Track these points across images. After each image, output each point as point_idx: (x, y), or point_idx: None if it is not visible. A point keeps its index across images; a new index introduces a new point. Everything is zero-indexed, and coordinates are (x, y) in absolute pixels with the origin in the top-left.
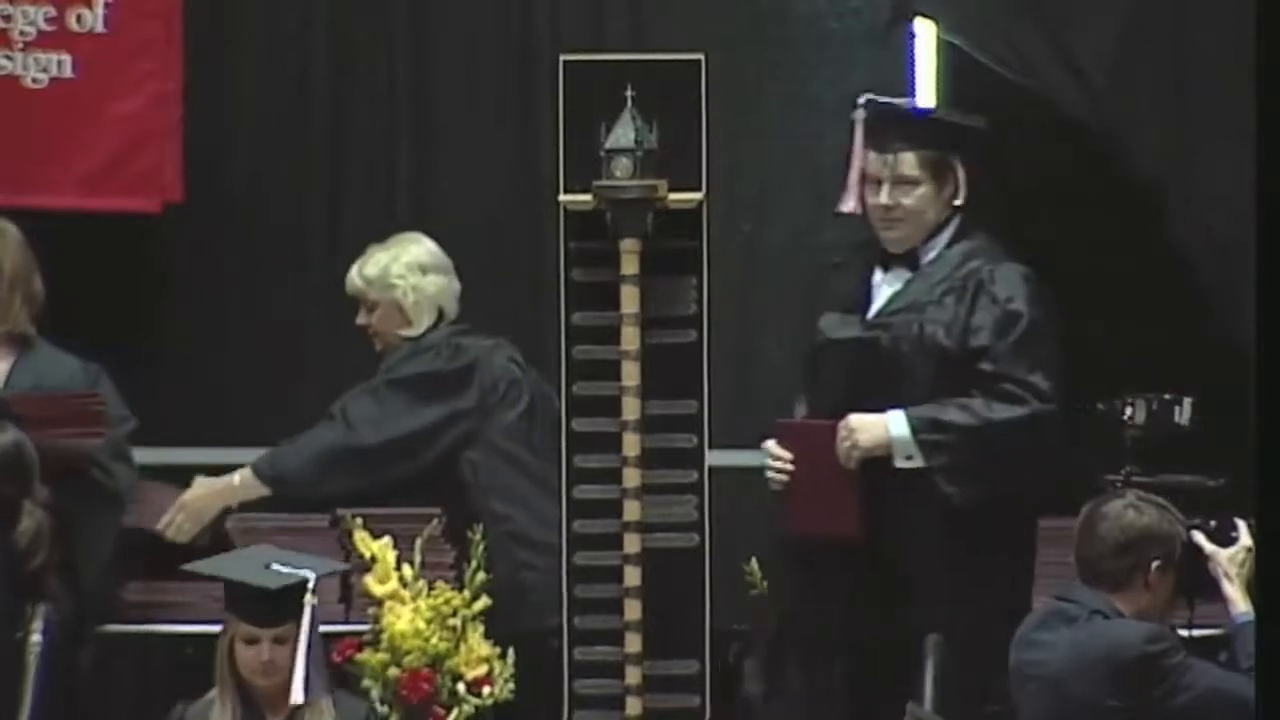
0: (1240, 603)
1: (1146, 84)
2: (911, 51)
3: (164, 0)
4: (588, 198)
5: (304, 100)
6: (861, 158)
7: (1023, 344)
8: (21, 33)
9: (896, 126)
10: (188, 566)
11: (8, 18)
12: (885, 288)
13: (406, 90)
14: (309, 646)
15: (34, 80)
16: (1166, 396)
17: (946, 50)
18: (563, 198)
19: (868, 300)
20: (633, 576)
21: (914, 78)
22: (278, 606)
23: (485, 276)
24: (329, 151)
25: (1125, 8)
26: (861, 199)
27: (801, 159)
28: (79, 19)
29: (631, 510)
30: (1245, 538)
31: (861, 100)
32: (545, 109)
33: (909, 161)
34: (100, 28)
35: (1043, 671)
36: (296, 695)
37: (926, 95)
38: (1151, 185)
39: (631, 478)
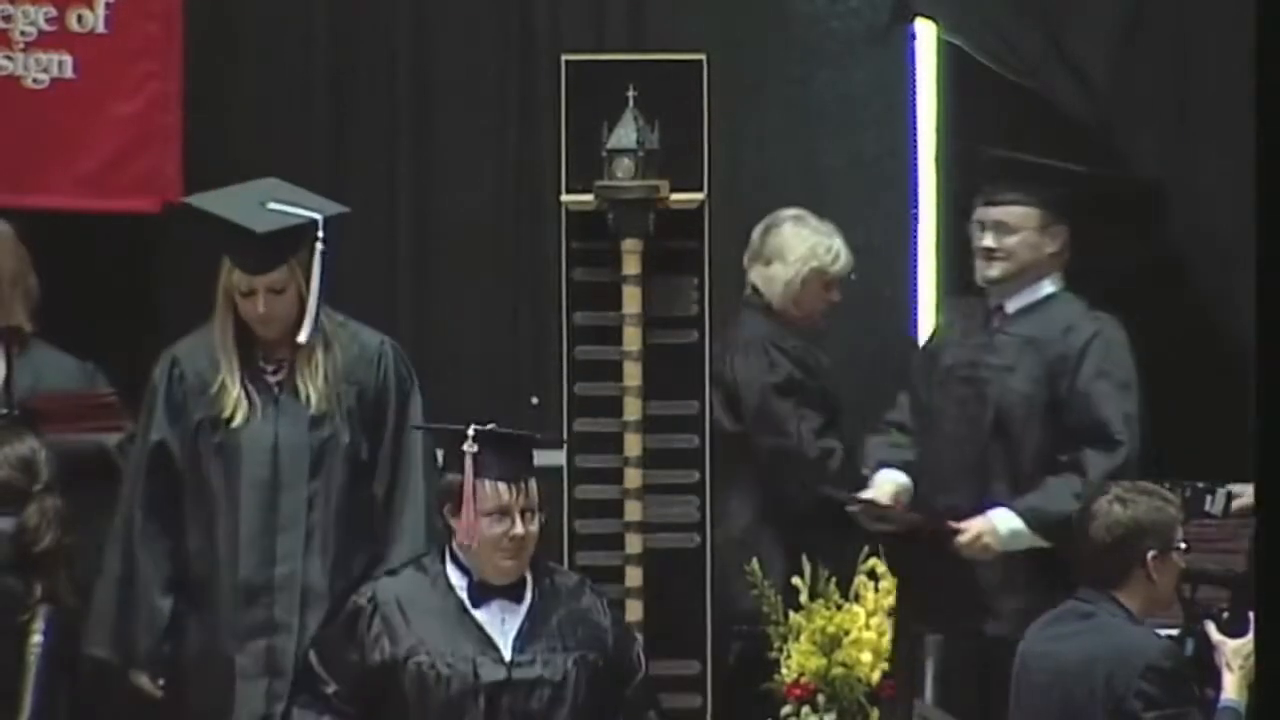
0: (1232, 692)
1: (1146, 84)
2: (911, 51)
3: (164, 0)
4: (589, 198)
5: (304, 100)
6: (475, 488)
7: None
8: (22, 33)
9: (518, 452)
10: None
11: (8, 18)
12: (504, 624)
13: (406, 90)
14: (319, 290)
15: (34, 80)
16: (1200, 484)
17: (946, 50)
18: (564, 198)
19: (485, 638)
20: (634, 577)
21: (914, 78)
22: (266, 251)
23: (485, 276)
24: (329, 152)
25: (1125, 8)
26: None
27: (802, 159)
28: (79, 19)
29: (632, 510)
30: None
31: (471, 432)
32: (546, 109)
33: (533, 490)
34: (101, 28)
35: (1053, 664)
36: (303, 335)
37: (926, 99)
38: (1151, 185)
39: (632, 478)
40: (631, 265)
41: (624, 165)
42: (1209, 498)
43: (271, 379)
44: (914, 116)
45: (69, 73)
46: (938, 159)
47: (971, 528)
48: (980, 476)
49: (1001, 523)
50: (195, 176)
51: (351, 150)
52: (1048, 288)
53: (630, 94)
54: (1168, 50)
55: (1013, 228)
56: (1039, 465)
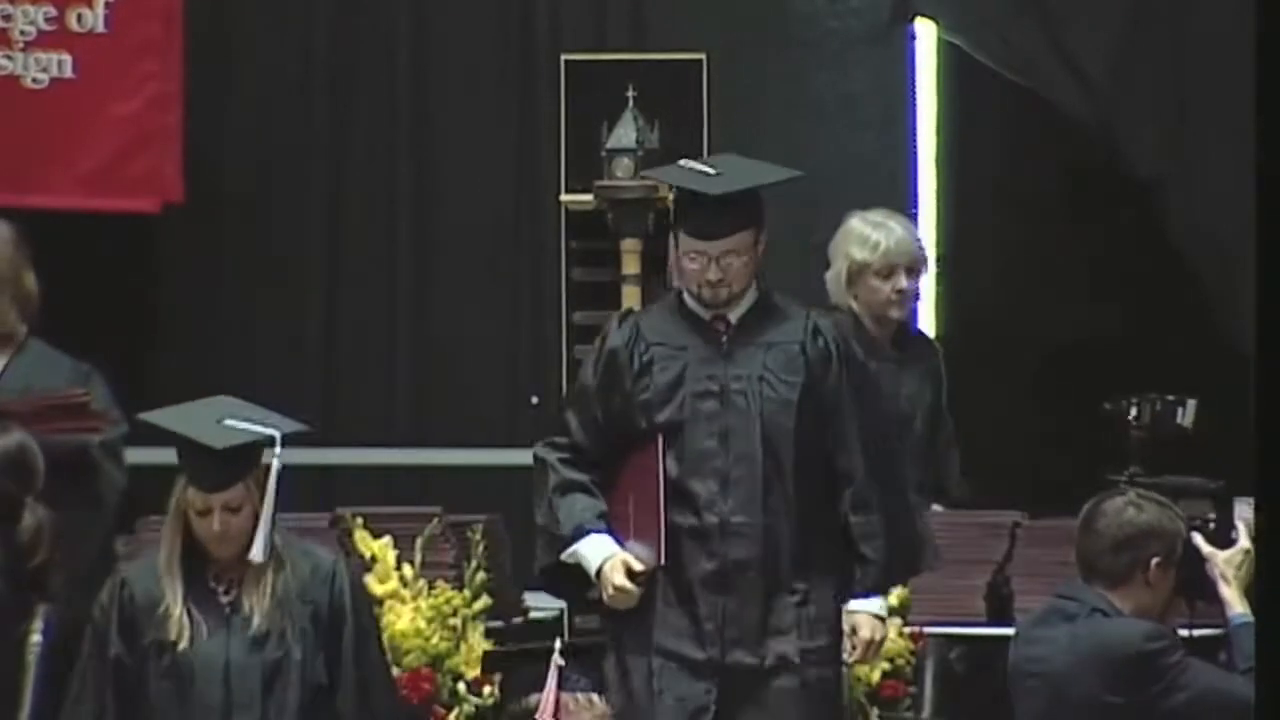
0: (1236, 604)
1: (1146, 84)
2: (911, 51)
3: (164, 1)
4: (589, 197)
5: (304, 100)
6: (564, 703)
7: None
8: (21, 33)
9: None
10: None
11: (8, 18)
12: None
13: (407, 90)
14: (272, 509)
15: (34, 80)
16: (1170, 398)
17: (946, 50)
18: (563, 198)
19: None
20: None
21: (914, 78)
22: (225, 469)
23: (485, 276)
24: (329, 152)
25: (1126, 7)
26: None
27: (801, 159)
28: (79, 19)
29: None
30: (1244, 540)
31: (559, 645)
32: (545, 109)
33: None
34: (100, 28)
35: (1041, 668)
36: (255, 554)
37: (926, 99)
38: (1151, 185)
39: None
40: (631, 265)
41: (624, 165)
42: (1180, 410)
43: (223, 599)
44: (914, 116)
45: (69, 72)
46: (938, 159)
47: (865, 636)
48: (766, 497)
49: (878, 608)
50: (195, 176)
51: (351, 150)
52: (753, 292)
53: (630, 94)
54: (1168, 49)
55: (738, 252)
56: (810, 474)
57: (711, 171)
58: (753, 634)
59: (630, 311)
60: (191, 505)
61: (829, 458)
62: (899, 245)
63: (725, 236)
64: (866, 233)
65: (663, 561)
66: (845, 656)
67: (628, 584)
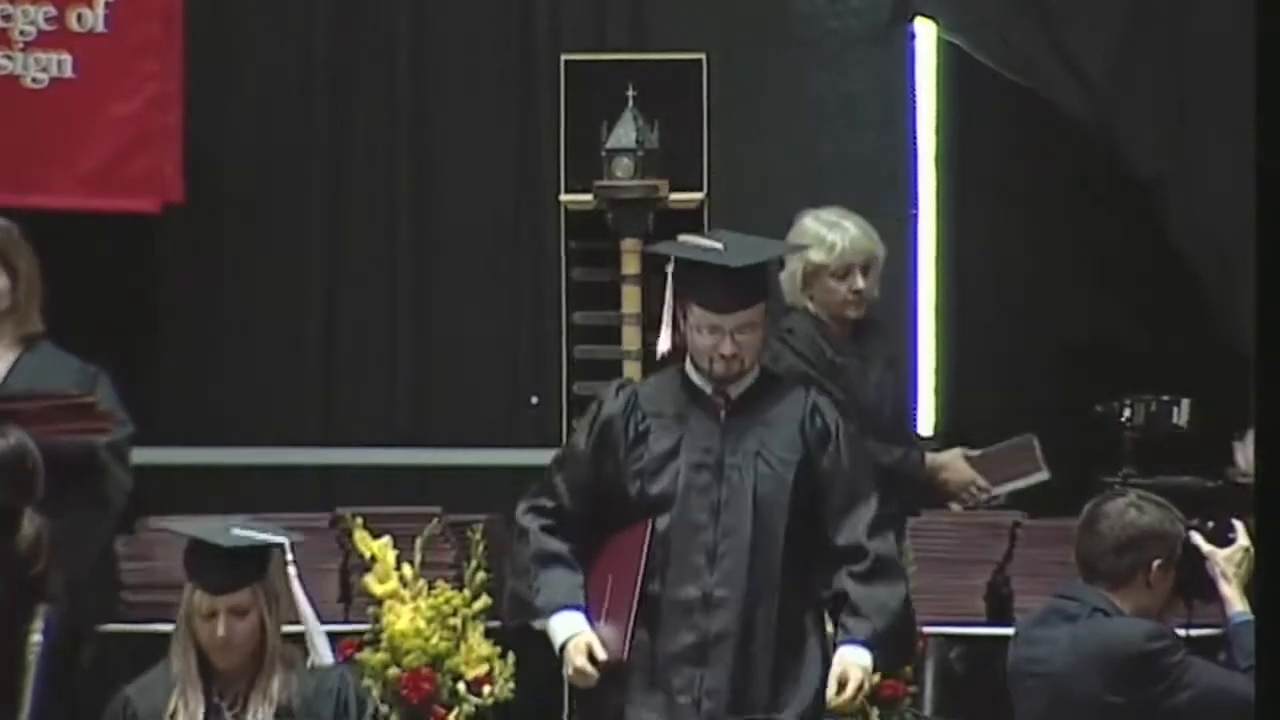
0: (1237, 602)
1: (1146, 84)
2: (911, 51)
3: (164, 1)
4: (588, 198)
5: (304, 100)
6: None
7: None
8: (21, 33)
9: None
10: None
11: (8, 18)
12: None
13: (407, 90)
14: (308, 610)
15: (34, 80)
16: (1165, 398)
17: (946, 50)
18: (563, 198)
19: None
20: None
21: (914, 78)
22: (232, 570)
23: (485, 276)
24: (329, 152)
25: (1126, 7)
26: None
27: (801, 159)
28: (79, 19)
29: None
30: (1242, 538)
31: None
32: (545, 109)
33: None
34: (100, 28)
35: (1042, 669)
36: (321, 658)
37: (926, 99)
38: (1151, 185)
39: None
40: (631, 265)
41: (623, 165)
42: (1175, 409)
43: (227, 714)
44: (914, 116)
45: (69, 72)
46: (938, 159)
47: (858, 677)
48: (751, 572)
49: (868, 661)
50: (195, 176)
51: (351, 150)
52: (755, 368)
53: (630, 94)
54: (1168, 49)
55: (753, 325)
56: (800, 551)
57: (720, 247)
58: (729, 708)
59: (628, 381)
60: (197, 610)
61: (828, 536)
62: (854, 245)
63: (742, 309)
64: (821, 233)
65: (624, 656)
66: (829, 694)
67: (588, 667)
